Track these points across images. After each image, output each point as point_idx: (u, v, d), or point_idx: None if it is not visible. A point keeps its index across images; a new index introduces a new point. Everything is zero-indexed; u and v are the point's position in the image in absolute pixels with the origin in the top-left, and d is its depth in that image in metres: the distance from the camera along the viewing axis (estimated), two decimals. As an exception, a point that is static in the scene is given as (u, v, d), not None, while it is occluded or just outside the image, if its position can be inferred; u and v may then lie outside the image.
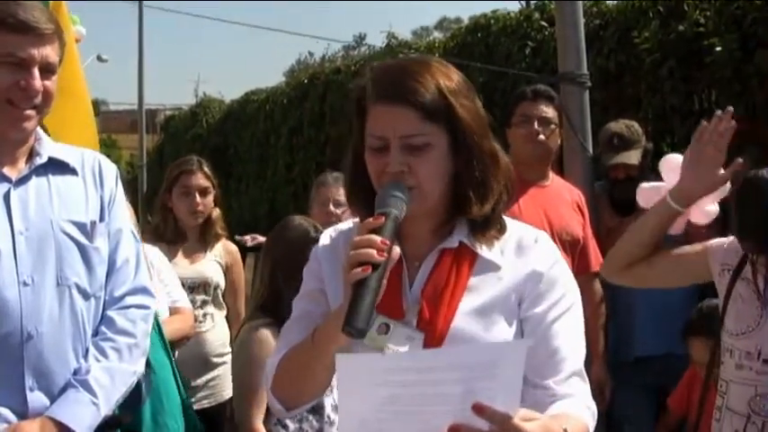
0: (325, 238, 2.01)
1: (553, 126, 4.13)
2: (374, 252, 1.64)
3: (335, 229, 2.02)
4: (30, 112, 2.29)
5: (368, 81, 1.85)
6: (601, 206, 4.77)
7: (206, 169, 4.40)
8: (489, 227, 1.87)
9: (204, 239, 4.40)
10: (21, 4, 2.26)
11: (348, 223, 2.04)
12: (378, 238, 1.66)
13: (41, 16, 2.28)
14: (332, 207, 4.33)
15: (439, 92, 1.79)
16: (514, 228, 1.93)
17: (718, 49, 5.23)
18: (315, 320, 1.88)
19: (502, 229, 1.90)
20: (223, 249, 4.50)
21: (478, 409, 1.55)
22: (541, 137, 4.07)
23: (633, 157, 4.57)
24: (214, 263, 4.41)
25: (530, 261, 1.88)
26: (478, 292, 1.84)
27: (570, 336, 1.86)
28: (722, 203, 3.05)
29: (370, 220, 1.71)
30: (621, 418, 4.50)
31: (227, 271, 4.47)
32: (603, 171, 4.79)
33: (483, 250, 1.87)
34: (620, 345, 4.50)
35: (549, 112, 4.13)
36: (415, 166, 1.78)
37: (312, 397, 1.89)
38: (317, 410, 2.99)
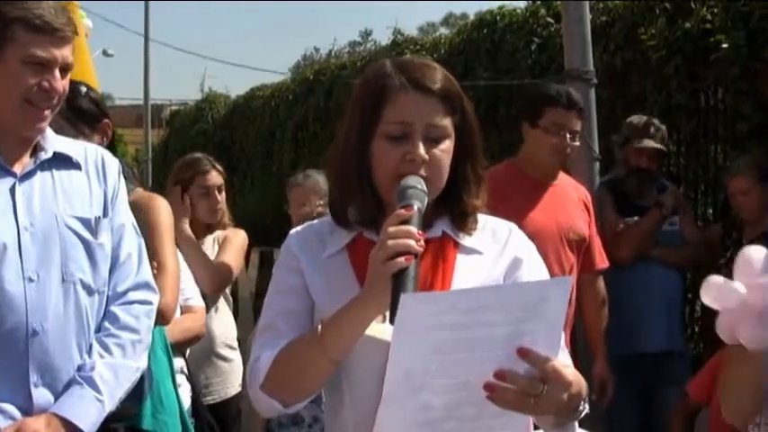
0: (296, 233, 2.01)
1: (578, 137, 4.06)
2: (413, 242, 1.68)
3: (303, 226, 2.04)
4: (47, 111, 2.32)
5: (392, 69, 1.88)
6: (604, 206, 4.77)
7: (217, 166, 4.43)
8: (469, 218, 1.94)
9: (209, 230, 4.41)
10: (44, 6, 2.28)
11: (315, 221, 2.06)
12: (414, 229, 1.70)
13: (63, 17, 2.30)
14: (307, 207, 4.42)
15: (456, 89, 1.89)
16: (487, 219, 2.00)
17: (725, 46, 5.21)
18: (301, 316, 1.90)
19: (477, 221, 1.96)
20: (224, 233, 4.45)
21: (523, 353, 1.61)
22: (569, 149, 4.00)
23: (660, 145, 4.68)
24: (210, 244, 4.38)
25: (508, 248, 1.96)
26: (465, 277, 1.88)
27: None
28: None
29: (402, 211, 1.74)
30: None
31: (222, 241, 4.39)
32: (625, 158, 4.79)
33: (465, 239, 1.94)
34: (622, 339, 4.50)
35: (579, 125, 4.01)
36: (432, 156, 1.84)
37: (313, 392, 1.88)
38: (315, 400, 2.97)
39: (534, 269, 1.94)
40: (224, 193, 4.42)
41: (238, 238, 4.45)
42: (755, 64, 5.15)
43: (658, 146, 4.67)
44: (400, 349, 1.61)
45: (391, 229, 1.70)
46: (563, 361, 1.78)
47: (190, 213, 4.27)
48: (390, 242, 1.68)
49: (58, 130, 2.52)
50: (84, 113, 3.00)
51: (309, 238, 1.98)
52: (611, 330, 4.39)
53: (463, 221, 1.93)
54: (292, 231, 2.02)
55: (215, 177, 4.36)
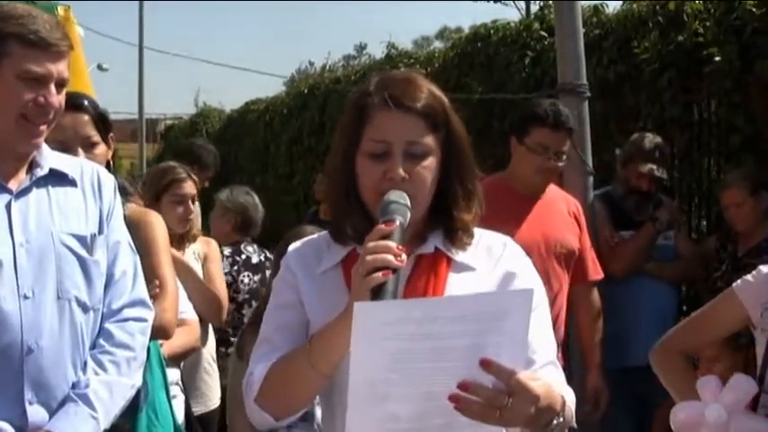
0: (294, 249, 2.02)
1: (565, 157, 4.04)
2: (392, 257, 1.69)
3: (303, 241, 2.05)
4: (43, 127, 2.31)
5: (374, 87, 1.89)
6: (599, 219, 4.78)
7: (193, 176, 4.43)
8: (462, 234, 1.94)
9: (181, 243, 4.41)
10: (39, 21, 2.27)
11: (315, 235, 2.08)
12: (394, 244, 1.71)
13: (58, 33, 2.30)
14: None
15: (441, 105, 1.89)
16: (482, 234, 2.00)
17: (718, 59, 5.23)
18: (296, 331, 1.92)
19: (471, 235, 1.96)
20: (201, 243, 4.50)
21: (486, 364, 1.60)
22: (554, 169, 4.01)
23: (665, 175, 4.72)
24: (193, 261, 4.40)
25: (502, 263, 1.95)
26: (456, 292, 1.88)
27: (540, 329, 1.89)
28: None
29: (382, 226, 1.75)
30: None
31: (205, 261, 4.44)
32: (625, 177, 4.80)
33: (458, 255, 1.94)
34: (615, 352, 4.50)
35: (566, 145, 4.00)
36: (414, 174, 1.85)
37: (303, 406, 1.90)
38: (307, 419, 2.97)
39: (528, 283, 1.92)
40: (197, 204, 4.42)
41: (217, 254, 4.49)
42: (748, 77, 5.17)
43: (663, 176, 4.68)
44: (360, 358, 1.62)
45: (370, 244, 1.72)
46: (549, 375, 1.80)
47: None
48: (369, 257, 1.70)
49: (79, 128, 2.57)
50: (106, 121, 3.02)
51: (307, 253, 1.99)
52: (605, 343, 4.39)
53: (456, 236, 1.93)
54: (291, 246, 2.04)
55: (191, 187, 4.36)
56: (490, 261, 1.96)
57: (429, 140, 1.87)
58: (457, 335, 1.60)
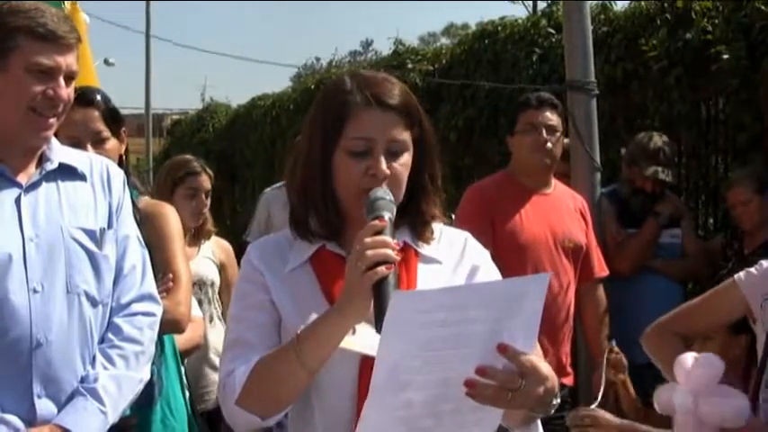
0: (255, 248, 2.02)
1: (558, 134, 4.12)
2: (391, 251, 1.73)
3: (261, 240, 2.06)
4: (52, 120, 2.32)
5: (352, 86, 1.92)
6: (606, 217, 4.78)
7: (208, 170, 4.44)
8: (427, 228, 2.00)
9: (196, 238, 4.41)
10: (47, 14, 2.28)
11: (272, 235, 2.10)
12: (390, 239, 1.75)
13: (66, 26, 2.31)
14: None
15: (414, 103, 1.95)
16: (442, 229, 2.05)
17: (726, 57, 5.22)
18: (270, 330, 1.91)
19: (433, 230, 2.02)
20: (217, 247, 4.51)
21: (502, 349, 1.65)
22: (549, 145, 4.05)
23: (668, 176, 4.70)
24: (207, 260, 4.41)
25: (466, 256, 2.02)
26: (427, 285, 1.91)
27: None
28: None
29: (376, 222, 1.78)
30: None
31: (223, 269, 4.46)
32: (630, 178, 4.81)
33: (423, 248, 1.99)
34: (623, 350, 4.50)
35: (553, 119, 4.10)
36: (393, 170, 1.89)
37: (290, 403, 1.89)
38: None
39: (490, 276, 1.99)
40: (209, 199, 4.42)
41: (234, 260, 4.48)
42: (756, 75, 5.16)
43: (667, 179, 4.68)
44: (388, 346, 1.63)
45: (368, 239, 1.74)
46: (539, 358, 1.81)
47: None
48: (369, 252, 1.72)
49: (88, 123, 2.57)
50: (117, 116, 3.02)
51: (270, 252, 1.99)
52: (612, 341, 4.39)
53: (422, 231, 1.99)
54: (251, 246, 2.04)
55: (205, 181, 4.36)
56: (454, 254, 2.01)
57: (406, 137, 1.92)
58: (480, 321, 1.64)
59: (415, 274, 1.94)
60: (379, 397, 1.67)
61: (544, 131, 4.04)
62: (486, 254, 2.05)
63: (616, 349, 3.56)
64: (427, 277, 1.94)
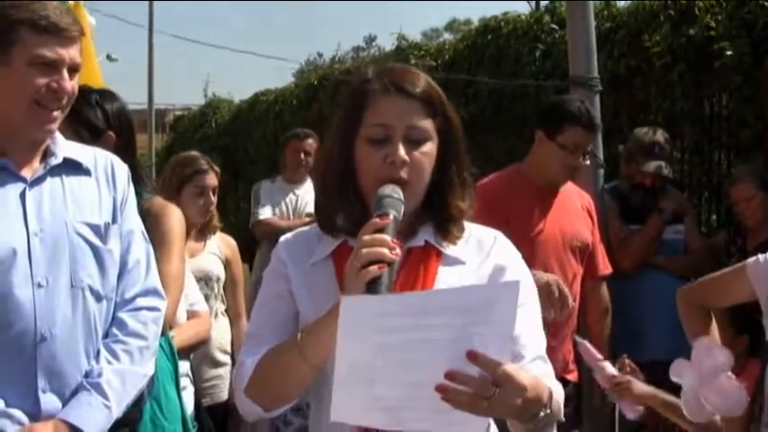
0: (285, 240, 2.03)
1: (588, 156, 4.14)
2: (387, 251, 1.69)
3: (294, 233, 2.06)
4: (56, 113, 2.32)
5: (372, 75, 1.91)
6: (609, 213, 4.78)
7: (215, 167, 4.43)
8: (453, 227, 1.94)
9: (202, 233, 4.42)
10: (49, 7, 2.28)
11: (306, 228, 2.08)
12: (389, 238, 1.72)
13: (68, 18, 2.31)
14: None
15: (437, 93, 1.91)
16: (472, 228, 2.00)
17: (729, 53, 5.22)
18: (286, 322, 1.93)
19: (462, 229, 1.96)
20: (222, 243, 4.52)
21: (472, 357, 1.59)
22: (579, 168, 4.07)
23: (666, 170, 4.68)
24: (213, 256, 4.42)
25: (492, 257, 1.95)
26: (446, 286, 1.88)
27: (530, 324, 1.90)
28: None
29: (377, 220, 1.75)
30: None
31: (228, 265, 4.48)
32: (629, 174, 4.81)
33: (448, 248, 1.94)
34: (628, 347, 4.50)
35: (592, 145, 4.11)
36: (413, 159, 1.86)
37: (293, 397, 1.90)
38: (302, 408, 2.97)
39: (518, 277, 1.90)
40: (216, 197, 4.42)
41: (238, 257, 4.52)
42: (759, 72, 5.16)
43: (663, 173, 4.67)
44: (343, 347, 1.62)
45: (366, 237, 1.73)
46: (538, 368, 1.81)
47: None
48: (364, 251, 1.70)
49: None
50: (88, 121, 2.98)
51: (298, 245, 2.00)
52: (618, 338, 4.39)
53: (447, 229, 1.94)
54: (282, 238, 2.04)
55: (213, 179, 4.36)
56: (480, 255, 1.96)
57: (428, 125, 1.88)
58: (443, 327, 1.60)
59: (434, 275, 1.90)
60: (344, 387, 1.65)
61: (582, 156, 4.01)
62: (517, 254, 1.99)
63: (629, 362, 3.57)
64: (448, 278, 1.90)
